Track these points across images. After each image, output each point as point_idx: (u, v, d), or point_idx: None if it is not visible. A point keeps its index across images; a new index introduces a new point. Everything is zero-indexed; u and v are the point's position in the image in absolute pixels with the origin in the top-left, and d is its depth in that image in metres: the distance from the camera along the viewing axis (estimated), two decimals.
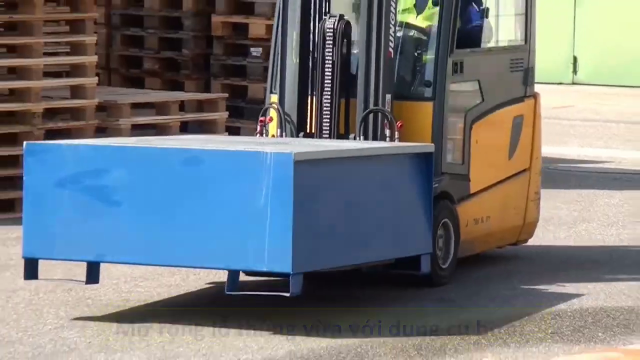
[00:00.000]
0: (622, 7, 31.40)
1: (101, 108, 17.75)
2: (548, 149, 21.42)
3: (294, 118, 11.43)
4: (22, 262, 11.89)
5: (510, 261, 14.73)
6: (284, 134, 11.42)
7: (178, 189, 9.35)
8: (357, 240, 10.38)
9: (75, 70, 17.64)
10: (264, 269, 9.20)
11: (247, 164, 9.42)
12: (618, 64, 31.16)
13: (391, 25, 11.44)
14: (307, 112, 11.50)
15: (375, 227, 10.55)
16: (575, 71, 31.51)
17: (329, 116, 11.28)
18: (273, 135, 11.83)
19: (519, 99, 12.70)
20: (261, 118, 11.91)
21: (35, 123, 16.85)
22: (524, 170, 12.73)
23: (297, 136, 11.54)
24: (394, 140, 11.30)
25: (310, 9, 11.27)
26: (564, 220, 17.36)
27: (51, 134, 16.92)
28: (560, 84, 30.93)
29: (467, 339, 10.67)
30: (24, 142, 9.62)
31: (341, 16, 11.36)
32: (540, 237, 15.76)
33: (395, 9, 11.46)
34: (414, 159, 10.77)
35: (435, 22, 12.08)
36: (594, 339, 10.70)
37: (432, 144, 10.84)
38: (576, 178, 21.23)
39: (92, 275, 9.57)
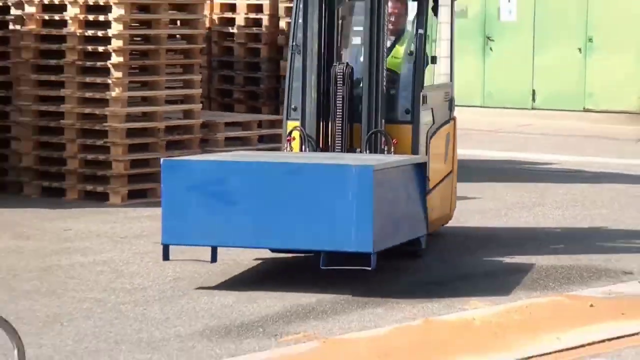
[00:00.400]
0: (569, 52, 29.91)
1: (204, 125, 17.70)
2: (514, 154, 23.68)
3: (314, 138, 11.73)
4: (152, 233, 13.41)
5: (475, 237, 14.54)
6: (307, 149, 11.73)
7: (283, 191, 9.99)
8: (398, 226, 10.91)
9: (186, 99, 17.44)
10: (352, 250, 9.57)
11: (339, 173, 10.20)
12: (564, 93, 29.94)
13: (385, 69, 11.77)
14: (323, 133, 11.82)
15: (404, 216, 11.07)
16: (534, 99, 30.60)
17: (340, 136, 11.72)
18: (299, 150, 12.01)
19: (447, 121, 13.09)
20: (287, 138, 12.18)
21: (159, 136, 16.84)
22: (450, 172, 13.18)
23: (316, 151, 11.78)
24: (390, 154, 11.72)
25: (324, 57, 11.71)
26: (526, 205, 17.17)
27: (170, 144, 16.95)
28: (523, 109, 30.36)
29: (451, 288, 11.32)
30: (162, 159, 10.25)
31: (347, 64, 11.83)
32: (510, 217, 16.08)
33: (385, 56, 11.94)
34: (417, 166, 11.27)
35: (406, 65, 12.52)
36: (547, 288, 11.36)
37: (426, 156, 11.46)
38: (534, 175, 20.59)
39: (213, 257, 10.07)
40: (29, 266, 11.95)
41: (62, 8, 16.37)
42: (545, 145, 25.15)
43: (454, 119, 13.42)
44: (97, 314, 9.83)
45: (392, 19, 12.64)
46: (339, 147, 11.67)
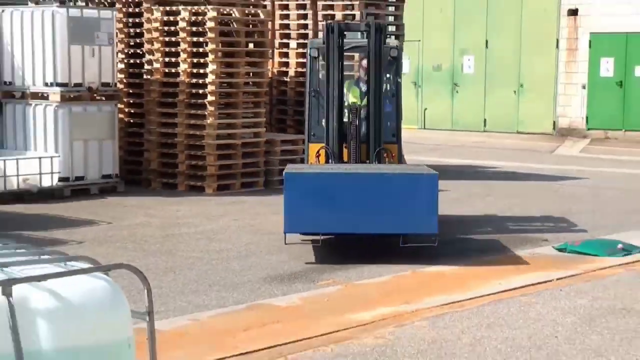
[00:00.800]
0: (507, 93, 30.16)
1: (267, 142, 17.76)
2: (472, 161, 23.46)
3: (337, 154, 12.01)
4: (233, 213, 14.68)
5: (445, 219, 13.86)
6: (332, 162, 12.01)
7: (370, 192, 10.68)
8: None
9: (255, 125, 17.44)
10: (421, 232, 10.67)
11: (413, 179, 11.10)
12: (504, 121, 30.18)
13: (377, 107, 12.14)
14: (342, 151, 12.13)
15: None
16: (485, 125, 30.73)
17: (355, 153, 12.13)
18: (325, 163, 12.31)
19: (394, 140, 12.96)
20: (317, 154, 12.36)
21: (238, 149, 17.08)
22: None
23: (339, 164, 12.06)
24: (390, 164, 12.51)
25: (339, 97, 11.92)
26: (479, 195, 17.35)
27: (244, 154, 17.24)
28: (477, 131, 30.34)
29: (429, 252, 11.48)
30: (285, 171, 10.86)
31: (356, 103, 12.55)
32: (469, 204, 16.36)
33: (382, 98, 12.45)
34: (434, 175, 11.20)
35: (386, 103, 12.83)
36: (494, 251, 12.09)
37: (437, 172, 11.35)
38: (485, 175, 20.68)
39: (316, 241, 10.78)
40: (154, 235, 12.83)
41: (176, 64, 17.00)
42: (492, 155, 24.97)
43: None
44: (197, 267, 10.91)
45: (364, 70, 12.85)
46: (354, 161, 12.13)
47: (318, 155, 12.28)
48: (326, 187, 10.88)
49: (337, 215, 10.72)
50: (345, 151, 12.28)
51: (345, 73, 12.85)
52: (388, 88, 12.99)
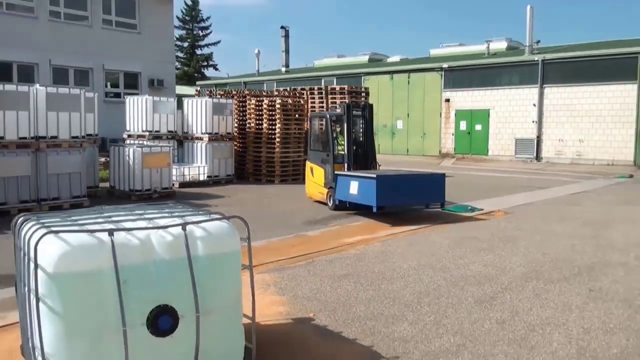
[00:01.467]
0: (417, 138, 29.12)
1: (304, 160, 15.82)
2: (400, 168, 20.02)
3: (350, 166, 11.61)
4: (287, 193, 14.19)
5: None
6: (348, 169, 11.54)
7: (416, 183, 10.77)
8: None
9: (298, 152, 17.16)
10: (440, 201, 10.78)
11: (435, 176, 11.17)
12: (419, 149, 29.59)
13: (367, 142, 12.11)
14: (354, 165, 11.70)
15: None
16: (407, 151, 29.90)
17: (361, 165, 11.80)
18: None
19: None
20: (337, 166, 11.76)
21: (290, 164, 17.11)
22: None
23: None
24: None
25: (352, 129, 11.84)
26: None
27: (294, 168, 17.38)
28: (403, 154, 29.13)
29: (384, 217, 10.77)
30: (375, 176, 10.17)
31: (360, 141, 12.13)
32: None
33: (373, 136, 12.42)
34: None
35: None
36: (404, 212, 11.15)
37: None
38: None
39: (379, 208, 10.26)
40: (251, 201, 12.94)
41: (261, 124, 17.33)
42: (411, 166, 21.79)
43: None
44: (271, 217, 10.86)
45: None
46: (362, 169, 11.72)
47: (339, 169, 11.66)
48: (396, 183, 10.50)
49: (398, 195, 10.32)
50: (354, 165, 11.81)
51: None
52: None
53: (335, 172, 11.24)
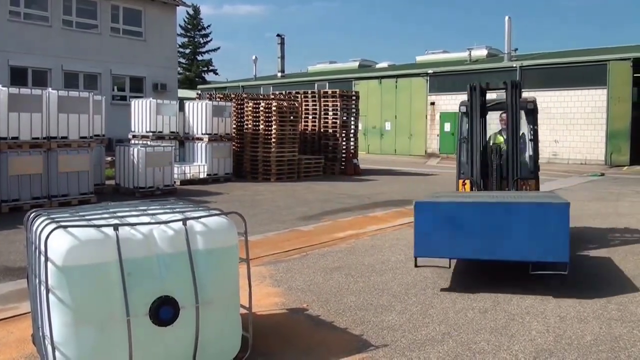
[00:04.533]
0: (404, 138, 29.32)
1: (299, 160, 17.39)
2: (389, 167, 21.91)
3: (481, 184, 7.87)
4: (286, 188, 14.21)
5: (373, 195, 13.63)
6: (475, 190, 7.86)
7: (501, 221, 5.72)
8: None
9: (293, 152, 17.13)
10: (551, 260, 5.62)
11: (545, 208, 5.82)
12: (406, 149, 29.63)
13: (520, 145, 7.95)
14: (485, 183, 7.97)
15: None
16: (395, 151, 30.04)
17: (496, 184, 7.92)
18: (470, 190, 8.01)
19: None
20: (463, 184, 8.20)
21: (286, 163, 16.96)
22: None
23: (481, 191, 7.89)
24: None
25: (482, 142, 7.98)
26: (391, 182, 15.98)
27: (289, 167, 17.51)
28: (392, 154, 29.15)
29: (364, 209, 11.05)
30: (415, 202, 5.89)
31: (498, 144, 8.24)
32: (386, 187, 15.16)
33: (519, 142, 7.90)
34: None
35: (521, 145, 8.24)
36: (388, 205, 11.56)
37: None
38: (395, 173, 19.21)
39: (450, 263, 6.22)
40: (247, 198, 12.62)
41: (258, 125, 17.07)
42: (398, 165, 23.78)
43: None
44: (266, 213, 10.64)
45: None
46: (497, 190, 7.99)
47: (464, 185, 8.27)
48: (454, 216, 5.93)
49: (466, 242, 5.82)
50: (487, 183, 8.12)
51: (493, 126, 8.94)
52: (526, 134, 8.62)
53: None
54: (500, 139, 8.46)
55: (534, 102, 8.54)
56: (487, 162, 8.06)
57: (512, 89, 7.86)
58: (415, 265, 6.09)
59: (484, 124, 8.12)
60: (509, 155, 7.86)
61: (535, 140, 8.55)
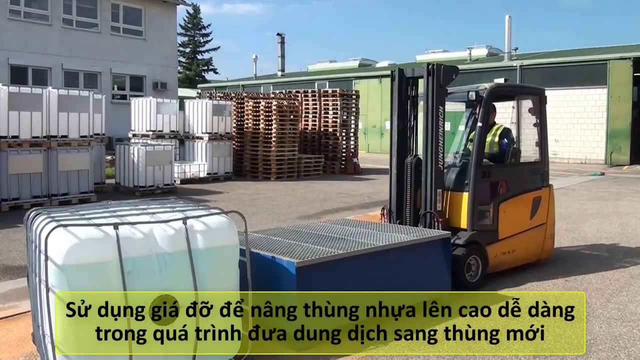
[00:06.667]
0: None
1: (299, 159, 17.40)
2: (379, 166, 22.92)
3: (394, 214, 6.24)
4: (286, 188, 13.68)
5: (366, 195, 13.43)
6: (385, 221, 6.30)
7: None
8: None
9: (293, 151, 17.11)
10: None
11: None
12: None
13: (440, 157, 6.05)
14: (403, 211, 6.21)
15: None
16: (391, 152, 30.36)
17: (411, 212, 6.14)
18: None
19: (538, 188, 6.61)
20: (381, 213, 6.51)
21: (286, 162, 16.93)
22: (542, 224, 6.59)
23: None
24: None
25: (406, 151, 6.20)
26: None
27: (289, 165, 17.69)
28: (386, 153, 28.85)
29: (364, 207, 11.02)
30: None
31: (415, 155, 6.32)
32: (384, 186, 16.28)
33: (443, 147, 6.10)
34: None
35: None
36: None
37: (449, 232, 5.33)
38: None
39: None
40: (247, 197, 12.72)
41: (258, 124, 17.12)
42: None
43: (549, 186, 6.86)
44: (266, 212, 10.45)
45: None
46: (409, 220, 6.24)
47: (382, 214, 6.61)
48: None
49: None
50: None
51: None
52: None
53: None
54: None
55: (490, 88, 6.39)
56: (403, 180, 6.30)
57: (429, 76, 6.09)
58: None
59: (409, 125, 6.53)
60: (425, 171, 6.10)
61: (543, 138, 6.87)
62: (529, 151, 7.07)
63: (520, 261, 6.55)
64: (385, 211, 6.45)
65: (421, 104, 6.29)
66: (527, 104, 7.04)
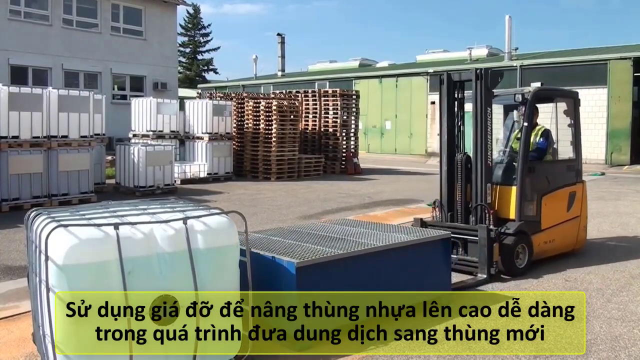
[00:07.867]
0: (405, 138, 29.34)
1: (299, 159, 17.37)
2: (390, 167, 22.22)
3: (446, 211, 6.63)
4: (286, 189, 13.74)
5: (378, 194, 13.63)
6: (439, 218, 6.66)
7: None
8: None
9: (293, 151, 17.13)
10: None
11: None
12: (406, 149, 28.27)
13: (489, 154, 6.30)
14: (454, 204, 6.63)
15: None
16: (395, 151, 29.92)
17: (462, 210, 6.60)
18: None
19: (573, 184, 7.03)
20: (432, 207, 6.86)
21: (286, 163, 16.88)
22: (577, 217, 7.00)
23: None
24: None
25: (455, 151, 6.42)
26: (391, 181, 16.04)
27: (290, 165, 17.48)
28: (393, 153, 29.22)
29: (374, 206, 11.21)
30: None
31: (464, 152, 6.49)
32: (387, 186, 15.24)
33: (491, 145, 6.33)
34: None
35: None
36: (391, 206, 11.52)
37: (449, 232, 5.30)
38: (395, 172, 19.19)
39: None
40: (247, 197, 12.74)
41: (258, 124, 17.17)
42: (399, 164, 23.86)
43: (582, 182, 7.34)
44: (266, 212, 10.48)
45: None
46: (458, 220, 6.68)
47: (433, 208, 6.89)
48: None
49: None
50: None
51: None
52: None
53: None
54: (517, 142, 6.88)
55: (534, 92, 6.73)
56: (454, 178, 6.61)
57: (477, 80, 6.35)
58: None
59: (457, 125, 6.67)
60: (475, 167, 6.39)
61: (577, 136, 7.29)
62: (562, 150, 7.50)
63: (558, 250, 6.97)
64: (436, 205, 6.78)
65: (467, 105, 6.64)
66: (562, 106, 7.41)
